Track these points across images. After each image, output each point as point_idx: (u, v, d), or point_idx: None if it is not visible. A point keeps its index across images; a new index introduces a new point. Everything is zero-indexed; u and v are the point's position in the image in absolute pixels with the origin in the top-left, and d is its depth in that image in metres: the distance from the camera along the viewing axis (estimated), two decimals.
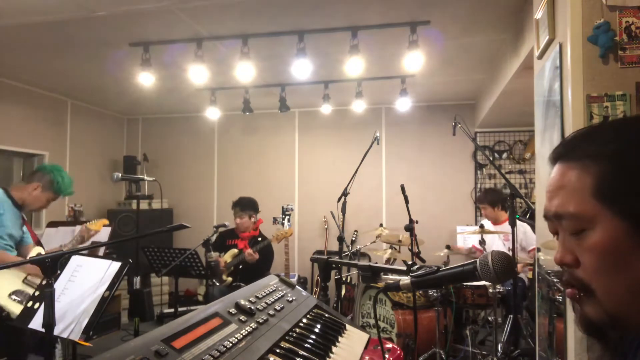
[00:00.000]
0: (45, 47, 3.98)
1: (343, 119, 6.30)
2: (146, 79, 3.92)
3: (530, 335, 3.84)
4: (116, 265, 2.13)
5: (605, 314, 0.64)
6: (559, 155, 0.70)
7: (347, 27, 3.47)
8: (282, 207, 5.52)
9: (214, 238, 4.13)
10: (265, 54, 4.07)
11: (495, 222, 4.45)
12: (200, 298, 4.49)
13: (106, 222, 3.46)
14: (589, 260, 0.64)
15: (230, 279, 4.32)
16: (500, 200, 4.47)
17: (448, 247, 4.46)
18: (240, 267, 4.35)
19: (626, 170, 0.62)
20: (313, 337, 1.18)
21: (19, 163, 5.52)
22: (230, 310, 1.10)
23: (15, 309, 2.58)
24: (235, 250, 4.41)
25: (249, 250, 4.23)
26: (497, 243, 4.37)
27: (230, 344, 0.96)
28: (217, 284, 4.24)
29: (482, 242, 3.96)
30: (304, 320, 1.27)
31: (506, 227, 3.97)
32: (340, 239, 3.75)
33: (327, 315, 1.38)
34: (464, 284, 3.71)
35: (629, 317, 0.63)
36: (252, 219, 4.54)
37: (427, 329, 3.71)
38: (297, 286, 1.48)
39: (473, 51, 4.10)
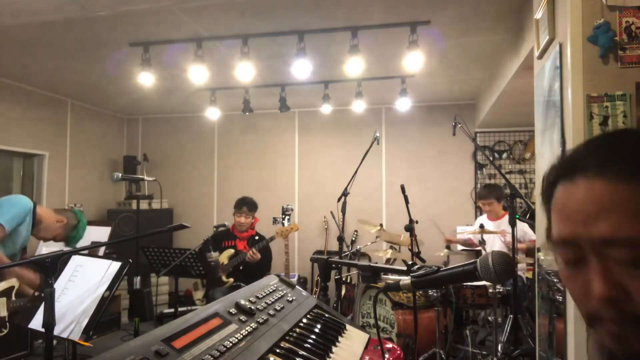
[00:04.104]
0: (46, 47, 3.98)
1: (343, 119, 6.30)
2: (146, 79, 3.92)
3: (530, 335, 3.84)
4: (116, 265, 2.13)
5: None
6: (588, 167, 0.55)
7: (347, 27, 3.47)
8: (282, 207, 5.52)
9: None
10: (265, 54, 4.07)
11: (497, 216, 4.47)
12: (198, 303, 4.49)
13: None
14: None
15: (231, 279, 4.32)
16: (503, 195, 4.51)
17: (448, 247, 4.46)
18: (241, 267, 4.35)
19: None
20: (313, 337, 1.18)
21: (19, 163, 5.52)
22: (230, 310, 1.10)
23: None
24: (231, 251, 4.40)
25: (251, 251, 4.24)
26: (495, 239, 4.37)
27: (230, 344, 0.96)
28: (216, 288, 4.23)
29: (482, 242, 3.96)
30: (304, 320, 1.27)
31: (506, 220, 3.99)
32: (340, 239, 3.75)
33: (327, 315, 1.37)
34: (464, 284, 3.71)
35: None
36: (251, 219, 4.56)
37: (427, 329, 3.71)
38: (297, 286, 1.48)
39: (473, 51, 4.10)
